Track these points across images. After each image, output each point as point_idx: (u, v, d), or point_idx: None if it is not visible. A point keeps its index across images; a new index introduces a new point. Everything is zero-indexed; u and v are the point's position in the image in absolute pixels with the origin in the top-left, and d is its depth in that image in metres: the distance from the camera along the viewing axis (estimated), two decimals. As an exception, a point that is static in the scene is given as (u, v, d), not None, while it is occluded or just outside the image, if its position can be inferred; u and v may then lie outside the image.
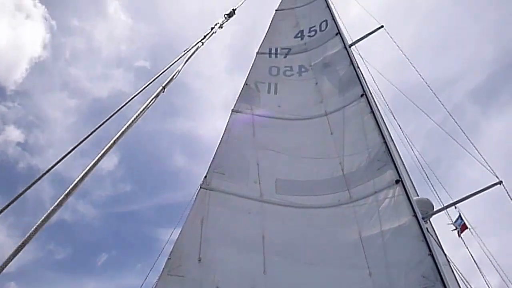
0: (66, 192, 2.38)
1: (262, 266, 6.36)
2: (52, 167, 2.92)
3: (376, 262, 6.08)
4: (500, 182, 8.16)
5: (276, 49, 11.32)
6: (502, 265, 8.63)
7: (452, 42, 27.40)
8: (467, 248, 8.16)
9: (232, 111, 9.08)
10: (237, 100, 9.39)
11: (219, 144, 8.29)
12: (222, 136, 8.46)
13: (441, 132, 10.31)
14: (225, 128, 8.67)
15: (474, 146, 8.99)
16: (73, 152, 3.20)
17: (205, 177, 7.65)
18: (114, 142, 2.87)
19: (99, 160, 2.63)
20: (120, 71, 30.63)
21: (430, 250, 5.77)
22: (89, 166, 2.51)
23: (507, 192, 7.93)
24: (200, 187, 7.46)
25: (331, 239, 6.77)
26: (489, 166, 8.45)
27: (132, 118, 3.08)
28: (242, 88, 9.79)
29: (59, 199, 2.36)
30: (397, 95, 11.02)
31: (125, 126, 2.98)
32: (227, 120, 8.87)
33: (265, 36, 11.71)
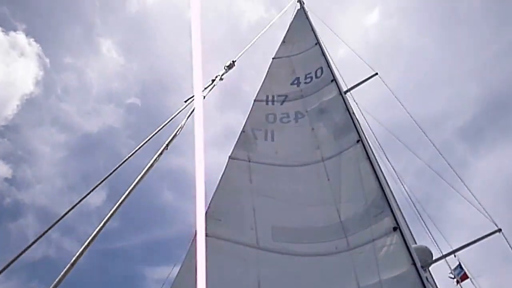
0: (78, 253, 2.37)
1: (258, 317, 6.22)
2: (59, 220, 2.92)
3: (375, 314, 5.97)
4: (500, 230, 8.16)
5: (273, 97, 11.49)
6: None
7: (436, 81, 28.22)
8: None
9: (229, 158, 9.13)
10: (234, 147, 9.46)
11: (216, 190, 8.25)
12: (219, 182, 8.44)
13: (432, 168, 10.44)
14: (222, 174, 8.67)
15: (473, 195, 9.06)
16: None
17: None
18: (120, 204, 2.88)
19: (105, 223, 2.64)
20: (111, 106, 31.00)
21: (430, 302, 5.68)
22: (96, 230, 2.52)
23: (507, 241, 7.93)
24: (195, 233, 7.37)
25: (329, 289, 6.65)
26: (487, 214, 8.47)
27: (137, 179, 3.11)
28: (240, 135, 9.87)
29: (71, 261, 2.35)
30: (388, 132, 11.22)
31: (131, 187, 3.00)
32: (224, 167, 8.90)
33: (262, 83, 11.90)
